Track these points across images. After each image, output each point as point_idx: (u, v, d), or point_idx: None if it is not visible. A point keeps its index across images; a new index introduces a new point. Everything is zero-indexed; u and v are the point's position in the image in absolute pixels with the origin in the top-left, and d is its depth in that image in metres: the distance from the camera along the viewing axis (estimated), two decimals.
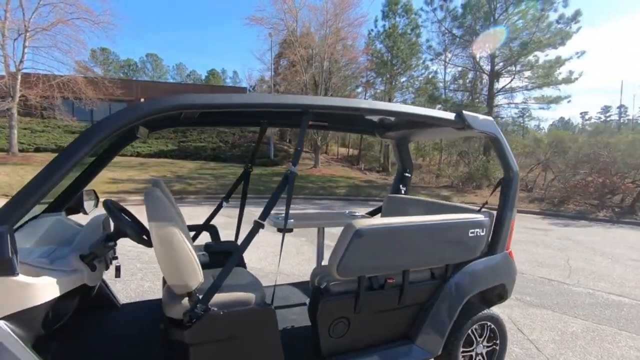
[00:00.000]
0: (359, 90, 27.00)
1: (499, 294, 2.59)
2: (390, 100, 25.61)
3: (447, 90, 22.28)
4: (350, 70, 23.34)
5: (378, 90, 26.63)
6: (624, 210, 12.47)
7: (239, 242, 1.92)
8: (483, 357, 2.41)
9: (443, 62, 22.49)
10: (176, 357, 1.80)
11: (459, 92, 20.97)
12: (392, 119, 2.80)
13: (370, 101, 2.36)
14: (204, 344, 1.73)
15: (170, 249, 1.67)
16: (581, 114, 56.67)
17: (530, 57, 17.10)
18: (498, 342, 2.46)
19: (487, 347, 2.43)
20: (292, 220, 2.66)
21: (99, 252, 1.81)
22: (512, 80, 18.11)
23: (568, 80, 16.78)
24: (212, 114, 2.54)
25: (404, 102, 26.52)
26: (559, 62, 16.85)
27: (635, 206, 12.44)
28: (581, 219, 11.69)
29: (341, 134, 26.59)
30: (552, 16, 16.68)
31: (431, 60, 21.88)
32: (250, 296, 1.86)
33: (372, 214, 3.63)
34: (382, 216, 3.39)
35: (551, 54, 17.01)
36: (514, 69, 17.95)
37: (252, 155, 3.08)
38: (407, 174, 3.65)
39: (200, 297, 1.71)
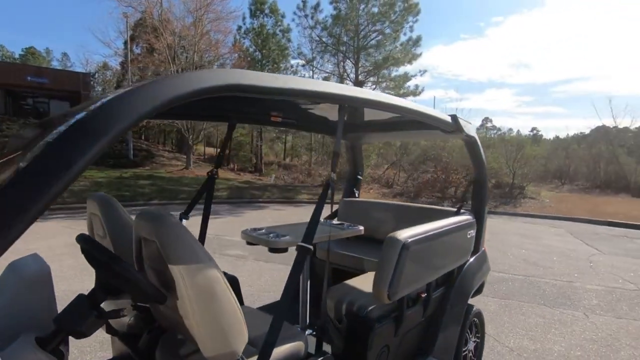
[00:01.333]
0: None
1: (479, 289, 2.79)
2: None
3: None
4: (218, 65, 22.20)
5: None
6: (458, 200, 15.74)
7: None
8: (472, 353, 2.55)
9: (311, 68, 23.72)
10: None
11: None
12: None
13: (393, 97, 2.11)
14: None
15: (211, 303, 1.15)
16: None
17: (386, 71, 19.62)
18: (480, 335, 2.64)
19: (474, 342, 2.58)
20: (287, 237, 2.24)
21: (88, 331, 1.08)
22: (374, 89, 20.40)
23: (414, 93, 19.96)
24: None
25: None
26: (406, 77, 19.89)
27: (465, 196, 15.89)
28: None
29: (207, 132, 25.01)
30: (403, 38, 19.61)
31: (303, 66, 22.73)
32: (299, 345, 1.46)
33: (328, 218, 3.45)
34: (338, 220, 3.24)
35: (403, 69, 19.91)
36: (375, 79, 20.26)
37: (218, 158, 2.45)
38: (359, 176, 3.61)
39: None
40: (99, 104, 0.83)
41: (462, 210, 2.63)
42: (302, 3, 19.98)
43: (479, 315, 2.61)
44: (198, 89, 0.94)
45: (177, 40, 18.66)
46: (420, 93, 20.01)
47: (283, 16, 25.02)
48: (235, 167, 25.86)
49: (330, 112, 2.39)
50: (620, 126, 28.97)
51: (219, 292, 1.14)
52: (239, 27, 23.74)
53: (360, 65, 20.53)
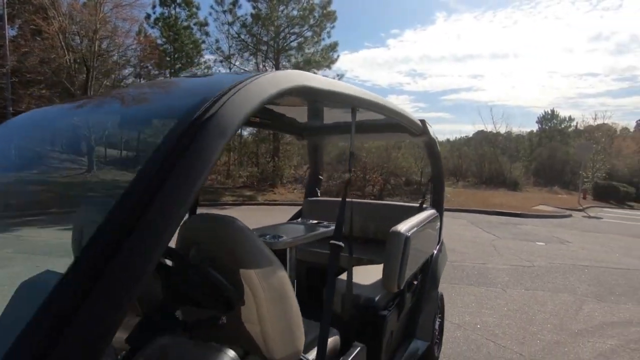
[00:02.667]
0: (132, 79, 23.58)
1: None
2: None
3: None
4: (121, 54, 20.09)
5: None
6: (376, 196, 16.97)
7: None
8: (437, 331, 2.88)
9: (229, 65, 22.95)
10: None
11: None
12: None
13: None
14: None
15: (284, 304, 1.17)
16: None
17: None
18: (441, 315, 2.99)
19: (439, 321, 2.91)
20: (284, 238, 2.23)
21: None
22: None
23: None
24: None
25: None
26: None
27: (383, 193, 17.26)
28: None
29: None
30: (322, 43, 20.27)
31: (221, 61, 21.82)
32: (336, 340, 1.53)
33: (293, 219, 3.50)
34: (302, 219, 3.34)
35: (321, 73, 20.53)
36: None
37: None
38: (320, 177, 3.75)
39: None
40: (215, 106, 0.82)
41: (424, 206, 2.94)
42: None
43: (442, 298, 2.96)
44: (275, 93, 0.97)
45: (68, 23, 16.27)
46: None
47: (198, 8, 23.72)
48: None
49: (299, 114, 2.45)
50: (502, 131, 34.49)
51: (289, 292, 1.16)
52: (148, 16, 21.77)
53: (280, 66, 20.57)
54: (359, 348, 1.54)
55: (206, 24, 20.57)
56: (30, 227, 8.20)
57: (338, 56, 20.57)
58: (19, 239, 7.21)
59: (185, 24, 23.03)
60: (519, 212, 13.22)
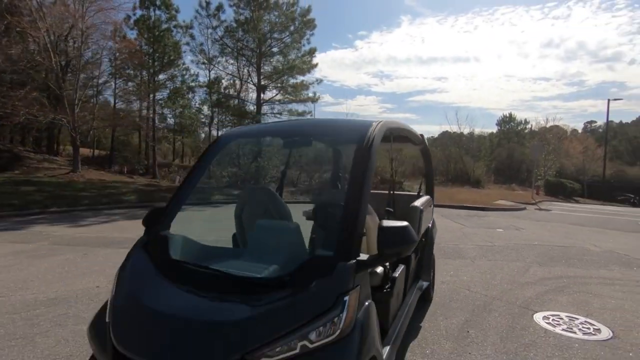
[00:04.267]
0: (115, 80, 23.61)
1: None
2: (152, 97, 24.08)
3: (218, 95, 23.42)
4: (102, 56, 20.24)
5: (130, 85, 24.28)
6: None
7: None
8: (432, 277, 4.16)
9: (208, 67, 23.57)
10: None
11: (231, 97, 22.63)
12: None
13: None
14: None
15: (372, 235, 2.37)
16: None
17: (292, 78, 21.15)
18: (433, 270, 4.28)
19: (432, 272, 4.20)
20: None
21: None
22: (277, 94, 21.68)
23: (313, 99, 21.99)
24: None
25: (163, 99, 25.60)
26: (306, 85, 21.78)
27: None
28: None
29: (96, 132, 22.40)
30: (302, 49, 21.36)
31: (203, 63, 22.40)
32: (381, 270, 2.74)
33: None
34: None
35: (301, 77, 21.66)
36: (277, 85, 21.54)
37: None
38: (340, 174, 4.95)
39: None
40: (371, 136, 2.02)
41: (420, 194, 4.23)
42: (206, 3, 19.89)
43: (434, 258, 4.26)
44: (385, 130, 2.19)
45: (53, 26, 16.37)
46: (317, 100, 22.14)
47: (177, 10, 24.13)
48: (126, 169, 23.73)
49: None
50: (465, 132, 37.09)
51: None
52: (127, 17, 21.96)
53: (262, 71, 21.51)
54: (403, 267, 2.76)
55: (190, 27, 21.06)
56: (40, 225, 8.81)
57: (317, 63, 21.75)
58: (41, 235, 7.94)
59: (165, 26, 23.39)
60: (482, 206, 15.06)
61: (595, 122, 67.35)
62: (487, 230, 9.44)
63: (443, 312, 3.85)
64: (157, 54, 23.30)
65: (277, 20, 20.73)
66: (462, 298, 4.30)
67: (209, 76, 24.66)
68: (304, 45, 21.35)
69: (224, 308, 1.55)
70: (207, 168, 2.56)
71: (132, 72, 23.74)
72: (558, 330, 3.47)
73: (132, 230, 8.43)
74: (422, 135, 3.97)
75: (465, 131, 37.72)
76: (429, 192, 4.37)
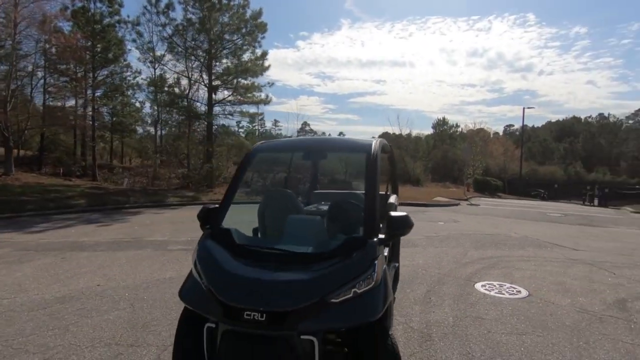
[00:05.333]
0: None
1: None
2: (92, 94, 22.72)
3: (169, 94, 22.73)
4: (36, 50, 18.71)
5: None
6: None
7: None
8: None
9: (154, 65, 22.85)
10: None
11: (179, 97, 22.14)
12: None
13: None
14: None
15: None
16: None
17: (244, 80, 21.36)
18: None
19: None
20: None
21: None
22: (230, 95, 21.74)
23: (265, 101, 22.44)
24: None
25: (105, 96, 24.28)
26: (258, 87, 22.16)
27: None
28: None
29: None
30: (252, 51, 21.69)
31: (151, 61, 21.69)
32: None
33: None
34: None
35: (253, 80, 21.96)
36: (229, 86, 21.63)
37: None
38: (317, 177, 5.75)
39: None
40: (375, 149, 2.87)
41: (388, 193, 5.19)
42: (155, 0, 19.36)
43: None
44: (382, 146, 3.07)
45: None
46: (270, 101, 22.61)
47: (121, 5, 23.01)
48: (62, 171, 22.05)
49: None
50: (404, 133, 39.89)
51: None
52: (64, 8, 20.43)
53: (214, 71, 21.45)
54: (387, 249, 3.65)
55: (137, 23, 20.30)
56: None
57: (269, 65, 22.20)
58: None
59: (107, 21, 22.22)
60: (423, 202, 16.83)
61: (513, 125, 76.06)
62: (430, 223, 10.88)
63: (409, 286, 4.85)
64: (98, 50, 22.03)
65: (228, 21, 20.84)
66: (421, 276, 5.35)
67: (155, 74, 23.88)
68: (256, 47, 21.68)
69: (300, 271, 2.27)
70: (244, 175, 3.19)
71: (66, 66, 22.12)
72: (492, 293, 4.64)
73: (99, 234, 8.42)
74: (390, 145, 4.92)
75: (404, 132, 40.68)
76: (395, 191, 5.35)
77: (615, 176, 47.88)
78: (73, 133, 25.97)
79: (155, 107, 24.88)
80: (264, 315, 2.09)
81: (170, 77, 22.25)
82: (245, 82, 21.57)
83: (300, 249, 2.58)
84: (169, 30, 20.27)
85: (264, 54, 22.18)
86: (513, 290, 4.78)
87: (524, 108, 33.14)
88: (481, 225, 10.85)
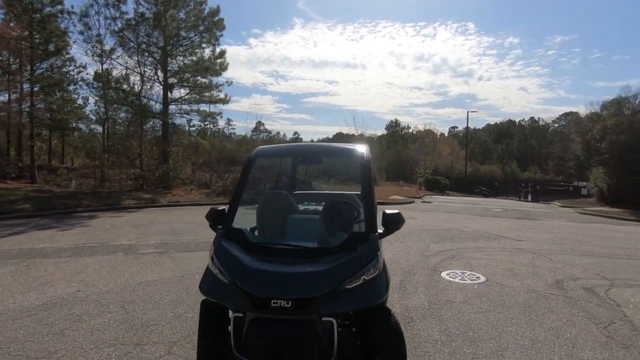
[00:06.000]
0: None
1: None
2: (28, 88, 20.91)
3: (110, 90, 21.52)
4: None
5: None
6: None
7: None
8: None
9: (101, 60, 21.58)
10: None
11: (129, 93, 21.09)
12: None
13: None
14: None
15: None
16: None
17: (203, 79, 20.89)
18: None
19: None
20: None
21: None
22: (187, 94, 21.12)
23: (224, 100, 22.12)
24: None
25: (42, 91, 22.42)
26: (216, 86, 21.80)
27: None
28: (255, 204, 17.02)
29: None
30: (209, 49, 21.30)
31: (99, 56, 20.41)
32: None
33: None
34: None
35: (212, 79, 21.57)
36: (185, 84, 21.05)
37: None
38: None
39: None
40: (366, 154, 3.28)
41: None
42: None
43: None
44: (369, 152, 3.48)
45: None
46: (228, 101, 22.30)
47: None
48: None
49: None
50: (356, 134, 41.10)
51: None
52: None
53: (169, 69, 20.75)
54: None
55: (85, 15, 19.02)
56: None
57: (228, 64, 21.90)
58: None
59: (48, 10, 20.56)
60: (381, 201, 17.67)
61: (457, 127, 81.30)
62: None
63: None
64: (37, 41, 20.31)
65: (185, 18, 20.28)
66: (393, 268, 5.86)
67: (103, 70, 22.51)
68: (215, 45, 21.30)
69: (317, 263, 2.58)
70: (249, 177, 3.41)
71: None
72: (456, 280, 5.27)
73: (57, 240, 8.00)
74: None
75: (357, 133, 41.90)
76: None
77: (544, 174, 53.30)
78: (7, 131, 23.65)
79: (102, 104, 23.48)
80: (290, 302, 2.38)
81: (120, 73, 21.11)
82: (204, 80, 21.13)
83: (308, 245, 2.89)
84: (119, 24, 19.27)
85: (222, 53, 21.88)
86: (473, 277, 5.45)
87: (468, 112, 35.86)
88: (436, 221, 11.79)
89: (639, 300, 4.61)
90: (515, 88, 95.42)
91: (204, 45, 20.97)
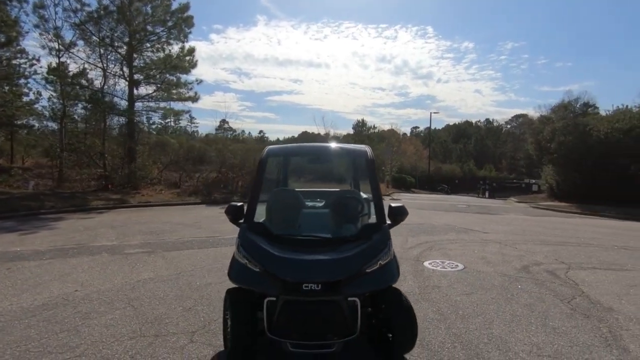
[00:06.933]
0: None
1: None
2: None
3: (67, 86, 20.36)
4: None
5: None
6: (245, 194, 19.31)
7: None
8: None
9: (58, 53, 20.37)
10: None
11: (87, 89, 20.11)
12: None
13: None
14: None
15: None
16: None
17: (170, 76, 20.35)
18: None
19: None
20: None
21: None
22: (155, 91, 20.48)
23: (193, 99, 21.69)
24: None
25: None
26: (185, 84, 21.33)
27: (244, 191, 19.80)
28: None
29: None
30: (178, 46, 20.77)
31: (58, 50, 19.22)
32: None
33: None
34: None
35: (182, 77, 21.07)
36: (152, 81, 20.42)
37: None
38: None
39: None
40: (370, 161, 3.64)
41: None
42: None
43: None
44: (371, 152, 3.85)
45: None
46: (198, 99, 21.88)
47: None
48: None
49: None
50: (322, 133, 41.59)
51: None
52: None
53: (135, 65, 20.04)
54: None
55: (41, 6, 17.89)
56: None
57: (197, 61, 21.47)
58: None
59: None
60: None
61: (419, 127, 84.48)
62: None
63: None
64: None
65: (152, 12, 19.66)
66: None
67: (59, 63, 21.22)
68: (183, 42, 20.82)
69: (336, 251, 2.88)
70: (264, 174, 3.62)
71: None
72: (438, 268, 5.78)
73: (30, 242, 7.69)
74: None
75: (328, 132, 42.45)
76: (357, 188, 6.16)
77: (499, 172, 56.82)
78: None
79: (58, 100, 22.13)
80: (320, 285, 2.67)
81: (79, 67, 20.06)
82: (172, 78, 20.60)
83: (324, 235, 3.20)
84: (80, 16, 18.33)
85: (192, 50, 21.39)
86: (453, 265, 5.99)
87: (430, 113, 37.66)
88: (409, 216, 12.42)
89: (592, 280, 5.34)
90: (471, 90, 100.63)
91: (172, 41, 20.45)
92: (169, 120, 39.90)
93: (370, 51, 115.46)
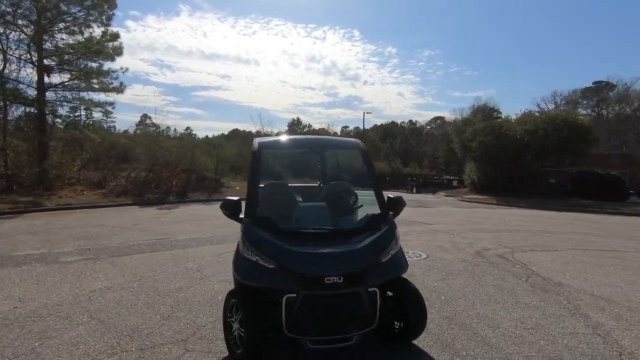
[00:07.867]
0: None
1: None
2: None
3: None
4: None
5: None
6: (182, 193, 18.04)
7: None
8: None
9: None
10: None
11: None
12: None
13: None
14: None
15: None
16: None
17: (90, 62, 18.13)
18: None
19: None
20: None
21: None
22: (71, 79, 18.06)
23: (119, 90, 19.66)
24: None
25: None
26: (108, 72, 19.23)
27: (187, 188, 18.50)
28: (166, 203, 15.72)
29: None
30: (98, 29, 18.63)
31: None
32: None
33: None
34: None
35: (106, 64, 18.92)
36: (69, 67, 18.04)
37: None
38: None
39: None
40: (365, 152, 3.66)
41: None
42: None
43: None
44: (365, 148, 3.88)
45: None
46: (123, 90, 19.84)
47: None
48: None
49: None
50: (254, 131, 40.80)
51: None
52: None
53: (45, 48, 17.48)
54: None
55: None
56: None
57: (122, 47, 19.46)
58: None
59: None
60: None
61: (348, 126, 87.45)
62: None
63: None
64: None
65: None
66: None
67: None
68: (106, 26, 18.71)
69: (350, 243, 2.83)
70: (259, 167, 3.40)
71: None
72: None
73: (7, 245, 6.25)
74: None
75: (258, 130, 41.72)
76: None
77: (422, 170, 61.54)
78: None
79: None
80: (342, 277, 2.60)
81: None
82: (93, 65, 18.41)
83: (330, 227, 3.13)
84: None
85: (116, 35, 19.36)
86: (417, 254, 6.32)
87: (364, 113, 39.56)
88: None
89: (535, 260, 6.06)
90: (394, 93, 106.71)
91: (92, 24, 18.27)
92: (78, 113, 35.44)
93: (300, 50, 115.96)
